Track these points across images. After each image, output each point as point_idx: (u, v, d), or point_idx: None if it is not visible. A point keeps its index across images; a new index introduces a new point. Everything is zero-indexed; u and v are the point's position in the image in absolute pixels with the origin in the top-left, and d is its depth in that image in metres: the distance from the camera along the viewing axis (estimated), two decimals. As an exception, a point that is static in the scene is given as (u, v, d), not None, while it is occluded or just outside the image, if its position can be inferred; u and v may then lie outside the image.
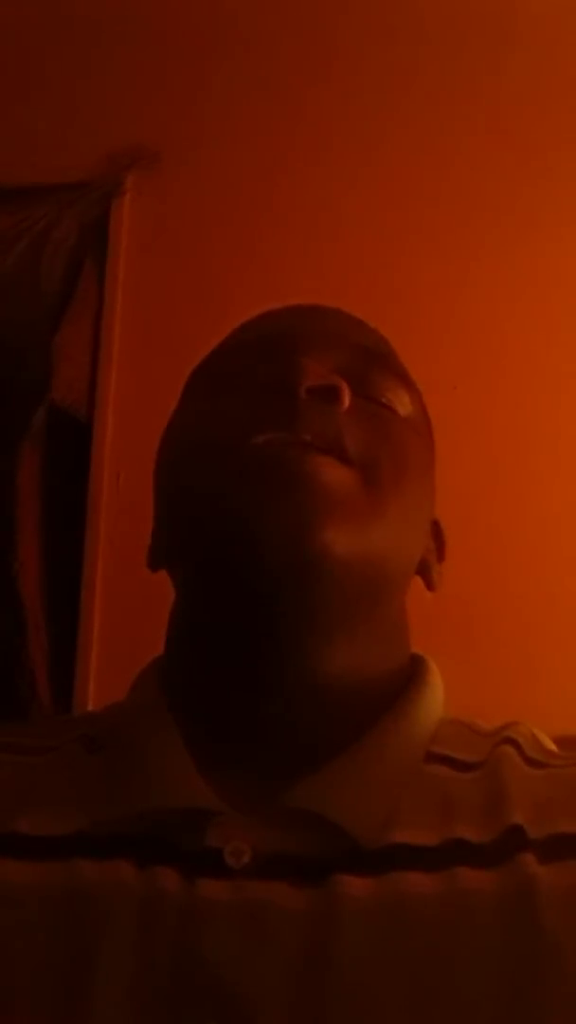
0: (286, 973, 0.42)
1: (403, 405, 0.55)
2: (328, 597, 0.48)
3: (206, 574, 0.51)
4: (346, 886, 0.44)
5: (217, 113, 1.39)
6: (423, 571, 0.57)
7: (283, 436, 0.49)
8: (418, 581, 0.58)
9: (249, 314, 0.60)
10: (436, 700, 0.54)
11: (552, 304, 1.27)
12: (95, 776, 0.51)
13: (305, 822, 0.46)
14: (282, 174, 1.35)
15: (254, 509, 0.47)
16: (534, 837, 0.45)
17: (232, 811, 0.47)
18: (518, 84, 1.34)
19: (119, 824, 0.47)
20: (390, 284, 1.26)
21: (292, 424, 0.49)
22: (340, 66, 1.38)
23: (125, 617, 1.20)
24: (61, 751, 0.53)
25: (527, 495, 1.21)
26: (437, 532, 0.60)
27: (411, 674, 0.54)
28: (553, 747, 0.53)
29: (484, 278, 1.28)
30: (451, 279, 1.28)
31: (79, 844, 0.47)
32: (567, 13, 1.34)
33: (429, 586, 0.58)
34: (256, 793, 0.47)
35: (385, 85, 1.37)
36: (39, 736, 0.55)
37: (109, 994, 0.42)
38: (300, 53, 1.39)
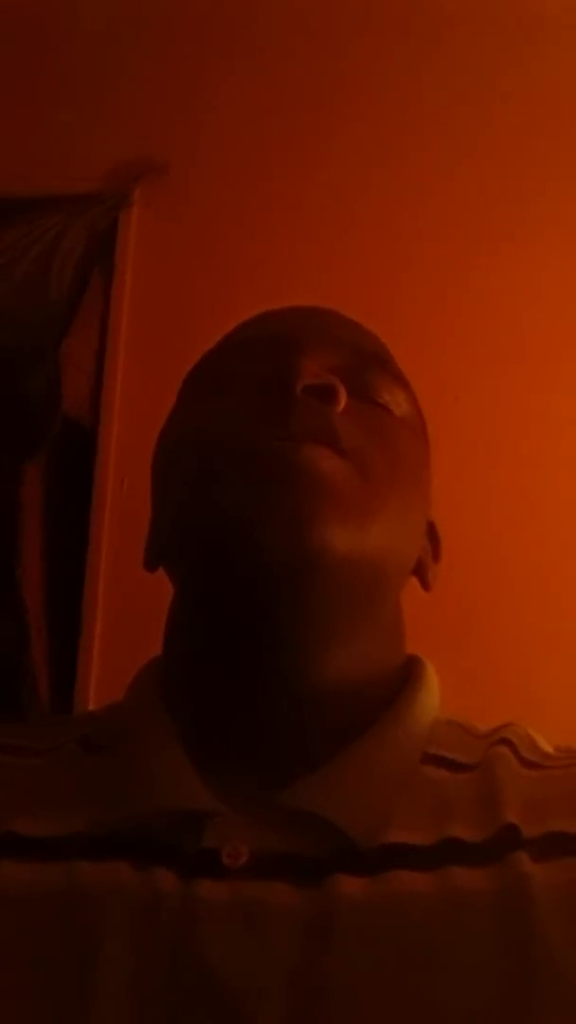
0: (283, 973, 0.42)
1: (399, 405, 0.55)
2: (326, 595, 0.48)
3: (203, 572, 0.51)
4: (342, 886, 0.44)
5: (224, 125, 1.39)
6: (419, 571, 0.57)
7: (278, 432, 0.48)
8: (414, 582, 0.57)
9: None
10: (432, 701, 0.54)
11: (554, 314, 1.27)
12: (93, 777, 0.51)
13: (302, 822, 0.46)
14: (288, 185, 1.36)
15: (251, 504, 0.47)
16: (528, 836, 0.45)
17: (229, 811, 0.47)
18: (524, 92, 1.34)
19: (117, 825, 0.47)
20: (395, 295, 1.26)
21: (287, 421, 0.49)
22: (346, 78, 1.39)
23: (127, 622, 1.20)
24: (60, 752, 0.53)
25: (526, 502, 1.21)
26: (432, 532, 0.60)
27: (407, 675, 0.54)
28: (548, 748, 0.52)
29: (486, 289, 1.29)
30: (454, 290, 1.29)
31: (77, 845, 0.47)
32: (571, 22, 1.35)
33: (424, 586, 0.58)
34: (253, 793, 0.47)
35: (391, 96, 1.37)
36: (38, 737, 0.55)
37: (107, 995, 0.42)
38: (307, 64, 1.40)
